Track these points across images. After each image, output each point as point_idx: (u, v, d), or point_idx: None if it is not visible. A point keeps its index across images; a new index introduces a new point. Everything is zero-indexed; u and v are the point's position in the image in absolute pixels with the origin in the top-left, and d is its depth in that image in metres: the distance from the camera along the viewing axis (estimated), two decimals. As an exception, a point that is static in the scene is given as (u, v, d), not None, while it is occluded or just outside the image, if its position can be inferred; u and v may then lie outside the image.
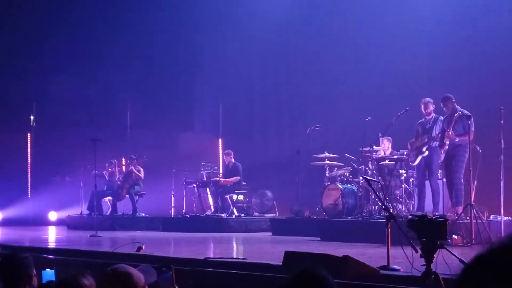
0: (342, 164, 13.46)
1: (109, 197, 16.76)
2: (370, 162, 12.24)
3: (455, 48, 13.93)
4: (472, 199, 9.85)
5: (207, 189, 16.23)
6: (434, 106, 11.30)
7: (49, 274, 5.34)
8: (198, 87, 19.69)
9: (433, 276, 5.06)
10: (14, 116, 18.24)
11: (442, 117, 11.19)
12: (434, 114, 11.30)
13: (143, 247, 8.85)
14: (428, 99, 11.38)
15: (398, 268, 6.60)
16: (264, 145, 18.73)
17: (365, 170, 12.35)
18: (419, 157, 11.25)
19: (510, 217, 10.64)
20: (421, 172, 11.41)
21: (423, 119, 11.45)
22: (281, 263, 6.85)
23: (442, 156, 10.87)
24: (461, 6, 14.17)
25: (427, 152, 11.12)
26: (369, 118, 12.23)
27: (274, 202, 16.09)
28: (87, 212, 16.36)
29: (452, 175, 10.78)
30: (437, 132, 11.10)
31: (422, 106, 11.31)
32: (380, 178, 11.82)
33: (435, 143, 11.17)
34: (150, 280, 3.42)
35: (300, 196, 13.96)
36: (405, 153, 11.95)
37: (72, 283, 3.62)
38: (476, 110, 10.90)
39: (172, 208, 16.58)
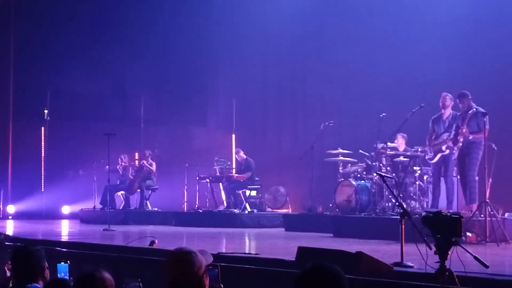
0: (356, 160, 13.41)
1: (122, 191, 16.81)
2: (384, 158, 12.17)
3: (471, 44, 13.83)
4: (487, 197, 9.79)
5: (220, 184, 16.24)
6: (453, 102, 11.15)
7: (63, 267, 5.36)
8: (211, 82, 19.68)
9: (447, 273, 5.02)
10: (28, 110, 18.29)
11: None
12: (452, 111, 11.18)
13: (156, 241, 8.87)
14: (445, 93, 11.21)
15: (411, 265, 6.56)
16: (277, 140, 18.71)
17: (379, 167, 12.29)
18: (439, 155, 11.14)
19: (525, 215, 10.56)
20: (437, 170, 11.32)
21: (437, 115, 11.35)
22: (294, 259, 6.84)
23: (456, 153, 10.78)
24: (478, 2, 14.07)
25: (447, 151, 11.02)
26: (383, 114, 12.16)
27: (287, 198, 16.08)
28: (100, 206, 16.41)
29: (466, 172, 10.67)
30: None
31: (441, 100, 11.18)
32: (394, 174, 11.76)
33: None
34: (209, 261, 3.55)
35: (313, 192, 13.92)
36: (419, 149, 11.85)
37: (92, 277, 3.63)
38: (491, 107, 10.80)
39: (185, 203, 16.60)
